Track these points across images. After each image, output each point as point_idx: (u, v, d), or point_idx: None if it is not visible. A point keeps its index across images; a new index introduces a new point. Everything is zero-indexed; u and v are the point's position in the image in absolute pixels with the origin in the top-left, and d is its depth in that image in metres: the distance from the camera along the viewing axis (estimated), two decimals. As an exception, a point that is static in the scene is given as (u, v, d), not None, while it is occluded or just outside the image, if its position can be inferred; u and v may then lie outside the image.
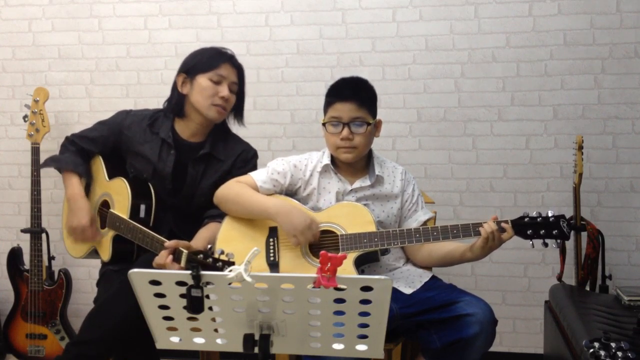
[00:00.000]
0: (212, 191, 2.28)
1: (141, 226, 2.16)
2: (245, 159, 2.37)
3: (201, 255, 1.92)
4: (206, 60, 2.28)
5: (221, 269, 1.85)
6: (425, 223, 2.21)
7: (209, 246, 2.00)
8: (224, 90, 2.26)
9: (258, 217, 2.13)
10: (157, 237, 2.10)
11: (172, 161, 2.31)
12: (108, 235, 2.28)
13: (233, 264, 1.84)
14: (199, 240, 2.16)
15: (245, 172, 2.33)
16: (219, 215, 2.24)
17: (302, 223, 2.02)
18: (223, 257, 1.87)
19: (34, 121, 3.06)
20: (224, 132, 2.40)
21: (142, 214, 2.25)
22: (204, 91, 2.25)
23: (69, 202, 2.35)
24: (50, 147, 3.14)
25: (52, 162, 2.44)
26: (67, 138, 2.46)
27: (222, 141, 2.37)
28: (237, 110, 2.39)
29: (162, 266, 2.01)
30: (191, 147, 2.34)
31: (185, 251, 1.98)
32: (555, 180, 2.99)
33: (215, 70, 2.26)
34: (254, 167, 2.39)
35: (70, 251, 2.48)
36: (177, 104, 2.34)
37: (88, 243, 2.35)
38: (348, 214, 2.09)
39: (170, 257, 2.00)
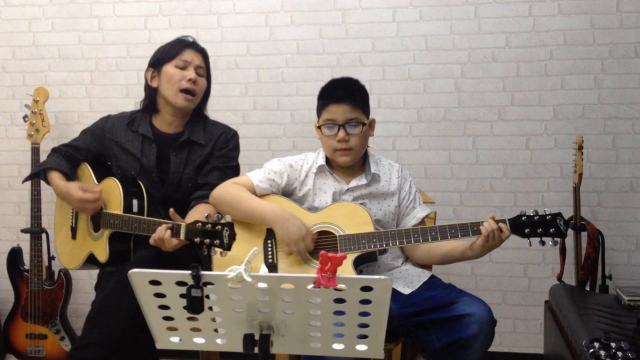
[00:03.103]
0: (197, 176, 2.33)
1: (136, 216, 2.17)
2: (225, 140, 2.39)
3: (199, 224, 1.92)
4: (169, 50, 2.33)
5: (220, 232, 1.86)
6: (423, 219, 2.21)
7: (206, 214, 2.00)
8: (190, 73, 2.29)
9: (255, 222, 2.12)
10: (153, 220, 2.11)
11: (154, 154, 2.34)
12: (104, 235, 2.28)
13: (232, 225, 1.86)
14: (190, 220, 2.17)
15: (227, 152, 2.37)
16: (204, 196, 2.27)
17: (298, 233, 2.01)
18: (222, 221, 1.88)
19: (34, 121, 3.06)
20: (202, 118, 2.43)
21: (135, 209, 2.26)
22: (171, 78, 2.29)
23: (59, 196, 2.39)
24: (50, 147, 3.14)
25: (36, 167, 2.48)
26: (52, 149, 2.49)
27: (201, 127, 2.39)
28: (204, 96, 2.41)
29: (160, 240, 2.02)
30: (171, 138, 2.37)
31: (183, 224, 1.99)
32: (555, 180, 2.99)
33: (179, 57, 2.30)
34: (236, 147, 2.42)
35: (65, 264, 2.48)
36: (149, 99, 2.39)
37: (99, 200, 2.31)
38: (346, 214, 2.09)
39: (169, 231, 2.01)
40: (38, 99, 3.08)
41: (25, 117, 3.11)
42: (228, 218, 1.87)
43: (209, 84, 2.41)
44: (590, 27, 2.93)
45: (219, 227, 1.88)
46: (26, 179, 2.91)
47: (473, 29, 3.00)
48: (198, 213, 2.23)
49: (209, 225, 1.90)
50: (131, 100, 3.22)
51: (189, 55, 2.31)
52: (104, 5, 3.23)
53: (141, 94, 3.19)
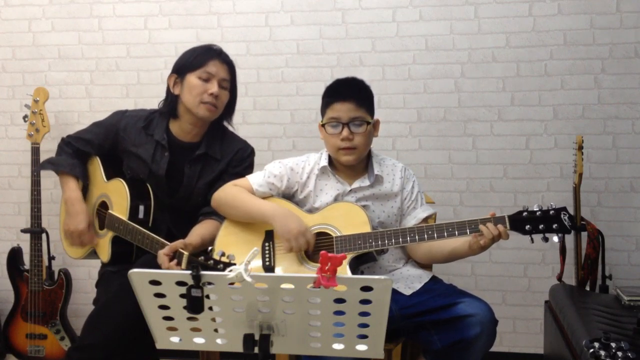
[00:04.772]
0: (208, 190, 2.30)
1: (140, 227, 2.16)
2: (241, 158, 2.37)
3: (202, 257, 1.91)
4: (194, 59, 2.27)
5: (222, 271, 1.84)
6: (425, 220, 2.19)
7: (209, 248, 2.00)
8: (212, 87, 2.24)
9: (255, 221, 2.12)
10: (157, 238, 2.10)
11: (165, 163, 2.31)
12: (107, 236, 2.28)
13: (234, 265, 1.84)
14: (194, 236, 2.16)
15: (242, 170, 2.33)
16: (213, 213, 2.25)
17: (297, 228, 2.01)
18: (224, 259, 1.87)
19: (34, 121, 3.06)
20: (220, 131, 2.39)
21: (141, 215, 2.25)
22: (193, 89, 2.24)
23: (66, 205, 2.35)
24: (50, 147, 3.14)
25: (48, 164, 2.43)
26: (63, 139, 2.45)
27: (219, 140, 2.36)
28: (228, 108, 2.37)
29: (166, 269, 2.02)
30: (187, 148, 2.33)
31: (185, 253, 1.98)
32: (555, 180, 2.99)
33: (203, 68, 2.25)
34: (250, 165, 2.40)
35: (69, 252, 2.47)
36: (170, 104, 2.34)
37: (85, 246, 2.35)
38: (343, 215, 2.08)
39: (174, 262, 2.01)
40: (38, 99, 3.08)
41: (25, 117, 3.11)
42: (232, 258, 1.85)
43: (233, 96, 2.36)
44: (590, 27, 2.92)
45: (221, 266, 1.85)
46: (36, 170, 2.91)
47: (473, 29, 3.00)
48: (203, 228, 2.22)
49: (212, 262, 1.88)
50: (131, 100, 3.22)
51: (213, 67, 2.25)
52: (104, 5, 3.23)
53: (141, 94, 3.24)
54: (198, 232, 2.19)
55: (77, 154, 2.41)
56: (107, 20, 3.23)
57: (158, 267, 2.04)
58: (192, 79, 2.25)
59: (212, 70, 2.25)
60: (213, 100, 2.25)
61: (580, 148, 2.65)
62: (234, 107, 2.40)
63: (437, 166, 3.07)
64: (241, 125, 3.11)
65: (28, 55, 3.30)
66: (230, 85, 2.33)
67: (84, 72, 3.27)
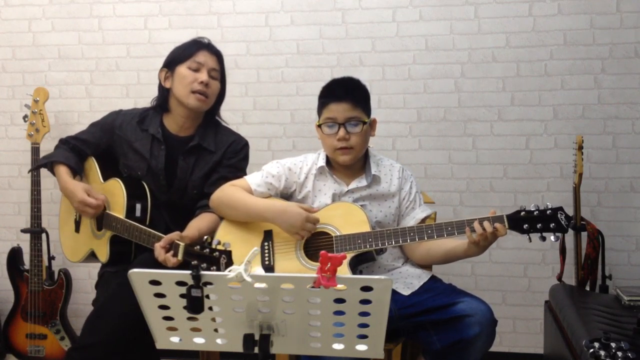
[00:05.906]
0: (203, 183, 2.31)
1: (137, 224, 2.17)
2: (235, 150, 2.38)
3: (197, 247, 1.93)
4: (183, 51, 2.31)
5: (218, 259, 1.86)
6: (424, 220, 2.19)
7: (205, 237, 2.01)
8: (202, 76, 2.27)
9: (254, 220, 2.13)
10: (153, 232, 2.11)
11: (163, 156, 2.32)
12: (105, 236, 2.28)
13: (230, 253, 1.86)
14: (191, 229, 2.17)
15: (236, 162, 2.35)
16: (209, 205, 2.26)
17: (299, 219, 2.02)
18: (220, 247, 1.88)
19: (34, 121, 3.06)
20: (214, 124, 2.41)
21: (138, 213, 2.26)
22: (184, 79, 2.27)
23: (63, 193, 2.37)
24: (50, 147, 3.12)
25: (43, 159, 2.45)
26: (60, 140, 2.48)
27: (212, 133, 2.38)
28: (218, 99, 2.39)
29: (163, 262, 2.03)
30: (181, 141, 2.35)
31: (181, 244, 1.99)
32: (555, 180, 2.99)
33: (192, 58, 2.28)
34: (245, 157, 2.41)
35: (68, 256, 2.48)
36: (162, 99, 2.37)
37: (101, 207, 2.31)
38: (342, 215, 2.09)
39: (170, 253, 2.02)
40: (38, 99, 3.08)
41: (25, 117, 3.11)
42: (227, 246, 1.87)
43: (223, 87, 2.38)
44: (590, 27, 2.92)
45: (217, 253, 1.87)
46: (32, 169, 2.93)
47: (473, 29, 3.00)
48: (200, 221, 2.22)
49: (207, 250, 1.90)
50: (131, 100, 3.22)
51: (202, 57, 2.29)
52: (104, 5, 3.23)
53: (141, 94, 3.24)
54: (195, 225, 2.20)
55: (73, 149, 2.42)
56: (107, 20, 3.23)
57: (156, 266, 2.05)
58: (182, 69, 2.28)
59: (201, 60, 2.28)
60: (203, 88, 2.27)
61: (580, 148, 2.65)
62: (223, 97, 2.42)
63: (437, 166, 3.07)
64: (241, 125, 3.11)
65: (28, 55, 3.30)
66: (220, 75, 2.36)
67: (84, 72, 3.27)
